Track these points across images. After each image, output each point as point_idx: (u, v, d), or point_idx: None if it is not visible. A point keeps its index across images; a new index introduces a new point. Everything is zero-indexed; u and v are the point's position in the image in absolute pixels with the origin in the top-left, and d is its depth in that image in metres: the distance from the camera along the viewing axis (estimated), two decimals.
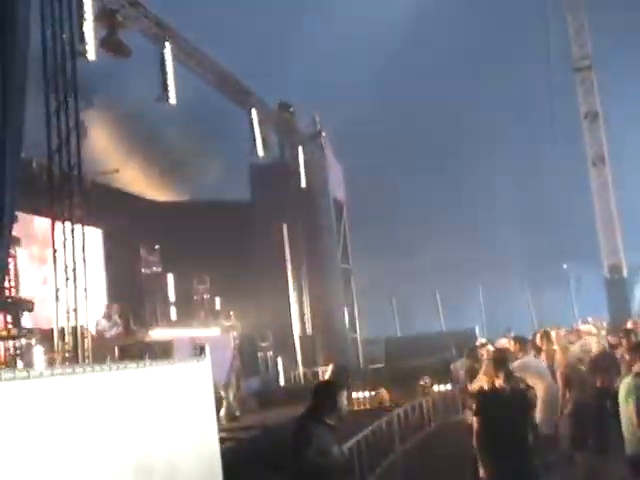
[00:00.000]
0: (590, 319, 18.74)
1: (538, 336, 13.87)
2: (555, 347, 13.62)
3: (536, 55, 27.80)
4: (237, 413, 13.34)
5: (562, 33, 26.90)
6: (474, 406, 8.30)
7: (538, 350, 13.11)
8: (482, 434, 8.02)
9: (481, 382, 8.83)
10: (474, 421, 8.12)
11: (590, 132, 26.44)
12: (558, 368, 12.29)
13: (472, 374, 11.61)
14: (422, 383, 17.45)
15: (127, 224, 23.90)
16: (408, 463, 11.33)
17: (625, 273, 26.96)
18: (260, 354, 25.59)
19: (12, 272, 13.08)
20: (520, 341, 12.58)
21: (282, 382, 24.77)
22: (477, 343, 16.99)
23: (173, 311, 24.80)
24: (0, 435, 3.09)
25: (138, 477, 4.23)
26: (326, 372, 23.62)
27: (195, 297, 24.93)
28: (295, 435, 6.65)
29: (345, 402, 6.70)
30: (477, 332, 26.51)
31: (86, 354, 12.55)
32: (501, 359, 8.71)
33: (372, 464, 9.99)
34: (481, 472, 8.19)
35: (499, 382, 8.35)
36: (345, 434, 7.17)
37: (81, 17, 14.00)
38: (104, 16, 15.15)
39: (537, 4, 27.23)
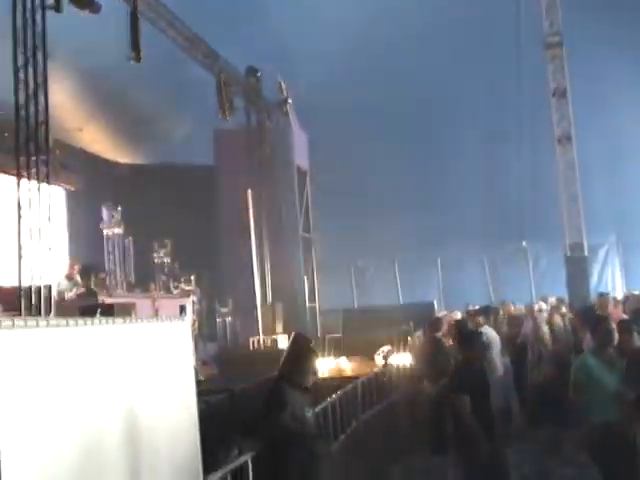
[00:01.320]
0: (553, 299, 18.98)
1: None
2: None
3: (506, 30, 27.83)
4: (201, 377, 13.31)
5: (533, 8, 26.88)
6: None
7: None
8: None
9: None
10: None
11: (557, 110, 26.56)
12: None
13: (434, 345, 11.82)
14: (383, 350, 17.54)
15: (90, 184, 23.67)
16: (369, 431, 11.46)
17: (586, 252, 27.27)
18: (219, 320, 25.63)
19: None
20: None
21: (241, 348, 24.80)
22: (439, 315, 17.25)
23: (133, 273, 24.61)
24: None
25: (123, 429, 4.24)
26: (285, 339, 23.69)
27: (156, 260, 24.80)
28: (269, 399, 6.66)
29: (318, 367, 6.73)
30: (435, 306, 26.70)
31: (50, 314, 12.43)
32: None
33: (336, 432, 10.05)
34: None
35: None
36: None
37: None
38: None
39: None
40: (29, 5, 13.30)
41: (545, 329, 13.62)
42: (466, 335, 8.92)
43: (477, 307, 16.42)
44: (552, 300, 18.33)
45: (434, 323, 12.71)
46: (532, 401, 12.39)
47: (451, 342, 10.94)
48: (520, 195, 29.27)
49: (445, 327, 12.51)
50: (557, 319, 14.22)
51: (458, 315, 16.80)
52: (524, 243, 31.39)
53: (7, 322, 3.20)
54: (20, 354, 3.29)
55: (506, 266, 31.69)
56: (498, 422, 8.33)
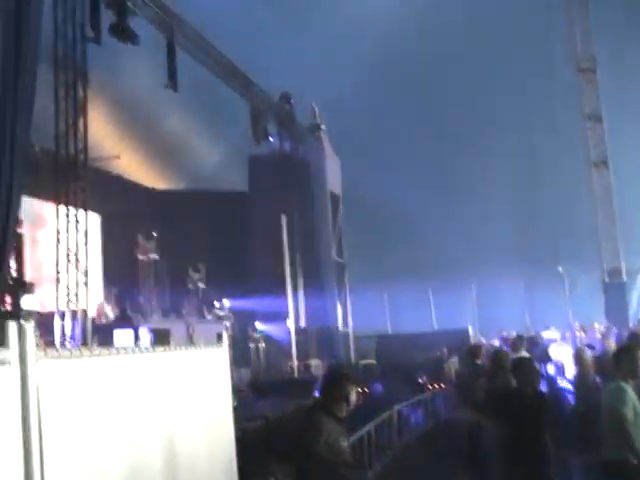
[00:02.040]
0: (596, 324, 18.84)
1: None
2: None
3: (540, 54, 27.80)
4: (235, 403, 13.26)
5: (567, 33, 26.85)
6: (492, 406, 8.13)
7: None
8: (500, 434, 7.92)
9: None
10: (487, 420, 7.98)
11: (593, 134, 26.43)
12: None
13: (473, 373, 11.72)
14: (420, 381, 17.49)
15: (125, 210, 23.89)
16: (407, 459, 11.39)
17: (624, 277, 26.97)
18: (252, 345, 25.64)
19: (16, 254, 13.01)
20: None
21: (274, 373, 24.77)
22: (474, 342, 17.17)
23: (167, 298, 24.75)
24: (44, 412, 3.12)
25: (164, 454, 4.30)
26: (318, 365, 23.66)
27: (190, 286, 24.94)
28: (304, 427, 6.65)
29: (354, 396, 6.69)
30: (470, 332, 26.56)
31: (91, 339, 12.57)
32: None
33: (371, 460, 10.01)
34: None
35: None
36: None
37: (94, 3, 13.93)
38: (115, 3, 15.08)
39: (543, 3, 27.24)
40: (70, 37, 13.52)
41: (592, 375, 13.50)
42: (516, 363, 8.76)
43: (513, 335, 16.28)
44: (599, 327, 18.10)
45: (473, 350, 12.66)
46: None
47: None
48: (555, 219, 29.07)
49: (483, 354, 12.46)
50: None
51: (496, 343, 16.67)
52: (560, 268, 31.11)
53: (53, 352, 3.27)
54: (65, 383, 3.35)
55: (542, 291, 31.35)
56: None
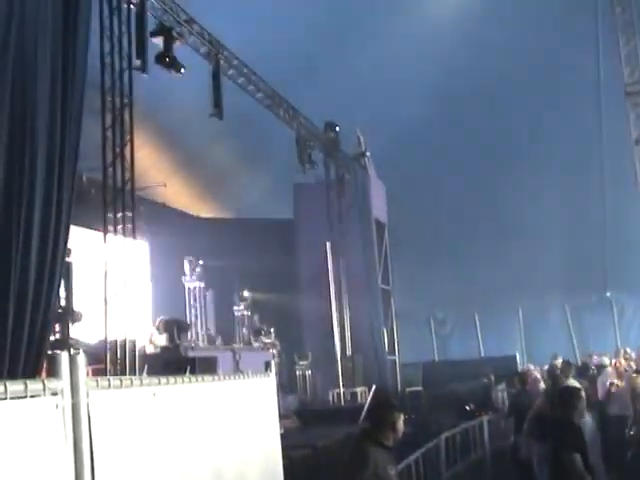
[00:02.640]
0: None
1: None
2: None
3: (586, 77, 27.63)
4: (281, 431, 13.23)
5: (614, 56, 26.59)
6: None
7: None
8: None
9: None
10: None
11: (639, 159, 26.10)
12: None
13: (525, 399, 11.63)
14: (467, 408, 17.33)
15: (172, 238, 24.12)
16: None
17: None
18: (299, 372, 25.66)
19: (65, 283, 13.17)
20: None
21: (320, 402, 24.73)
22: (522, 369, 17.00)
23: (214, 326, 24.89)
24: (97, 442, 3.14)
25: None
26: (365, 393, 23.55)
27: (236, 313, 25.07)
28: (352, 456, 6.62)
29: (402, 424, 6.64)
30: (517, 359, 26.26)
31: (138, 368, 12.63)
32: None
33: None
34: None
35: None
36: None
37: (140, 32, 14.16)
38: (161, 32, 15.32)
39: (588, 24, 27.08)
40: (117, 67, 13.73)
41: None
42: (567, 392, 8.64)
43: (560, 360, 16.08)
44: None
45: (522, 377, 12.66)
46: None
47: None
48: (603, 244, 28.73)
49: (530, 381, 12.37)
50: None
51: (535, 370, 16.46)
52: (608, 293, 30.67)
53: (104, 382, 3.28)
54: (115, 413, 3.36)
55: (590, 316, 30.93)
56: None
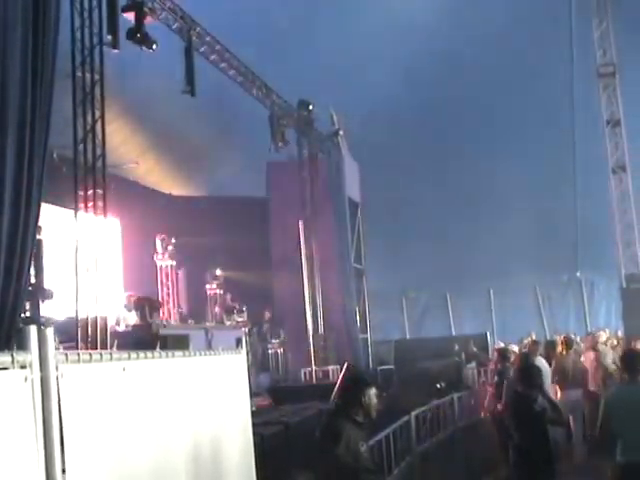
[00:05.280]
0: (605, 331, 18.90)
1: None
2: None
3: (559, 59, 27.72)
4: (253, 408, 13.30)
5: (586, 37, 26.69)
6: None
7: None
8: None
9: None
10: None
11: (611, 140, 26.27)
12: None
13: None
14: (438, 386, 17.48)
15: (144, 216, 24.02)
16: (425, 465, 11.36)
17: None
18: (271, 351, 25.71)
19: (35, 261, 13.06)
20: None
21: (293, 380, 24.81)
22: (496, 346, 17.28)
23: (186, 305, 24.87)
24: (66, 414, 3.14)
25: (183, 460, 4.40)
26: (337, 371, 23.64)
27: (208, 292, 25.05)
28: (324, 432, 6.65)
29: (374, 399, 6.68)
30: (488, 337, 26.45)
31: (109, 346, 12.60)
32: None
33: (390, 464, 9.99)
34: None
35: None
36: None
37: (111, 7, 14.01)
38: (132, 7, 15.16)
39: (562, 5, 27.12)
40: (87, 43, 13.59)
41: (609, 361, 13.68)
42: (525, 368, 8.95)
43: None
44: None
45: (504, 352, 13.01)
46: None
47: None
48: (574, 225, 28.96)
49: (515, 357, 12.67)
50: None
51: (515, 348, 16.67)
52: (578, 273, 30.96)
53: (73, 356, 3.27)
54: (85, 387, 3.36)
55: (560, 297, 31.24)
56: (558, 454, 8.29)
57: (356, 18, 27.88)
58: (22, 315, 12.04)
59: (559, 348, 13.85)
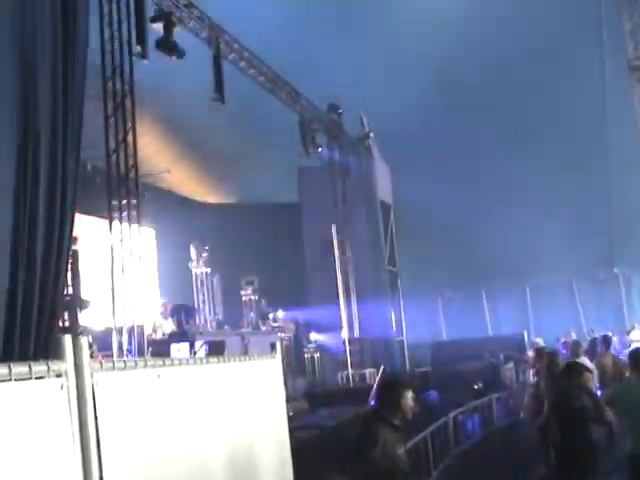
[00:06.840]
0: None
1: None
2: None
3: (589, 54, 27.44)
4: (290, 413, 13.32)
5: (617, 31, 26.34)
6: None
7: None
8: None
9: None
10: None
11: None
12: None
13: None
14: (475, 387, 17.38)
15: (178, 224, 24.17)
16: (463, 466, 11.30)
17: None
18: (307, 355, 25.73)
19: (71, 271, 13.20)
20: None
21: (329, 384, 24.80)
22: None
23: (221, 311, 24.94)
24: (101, 423, 3.17)
25: (220, 465, 4.41)
26: (373, 375, 23.59)
27: (243, 298, 25.11)
28: (361, 436, 6.64)
29: (411, 402, 6.66)
30: (525, 337, 26.24)
31: (146, 352, 12.69)
32: None
33: (429, 467, 9.95)
34: None
35: None
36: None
37: (140, 18, 14.13)
38: (161, 17, 15.27)
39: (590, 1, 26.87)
40: (117, 53, 13.72)
41: None
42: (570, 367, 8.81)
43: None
44: None
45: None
46: None
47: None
48: (609, 221, 28.65)
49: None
50: None
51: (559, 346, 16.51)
52: (615, 270, 30.63)
53: (108, 364, 3.31)
54: (120, 395, 3.39)
55: (597, 293, 30.91)
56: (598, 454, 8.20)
57: (385, 18, 27.80)
58: (60, 325, 12.19)
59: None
